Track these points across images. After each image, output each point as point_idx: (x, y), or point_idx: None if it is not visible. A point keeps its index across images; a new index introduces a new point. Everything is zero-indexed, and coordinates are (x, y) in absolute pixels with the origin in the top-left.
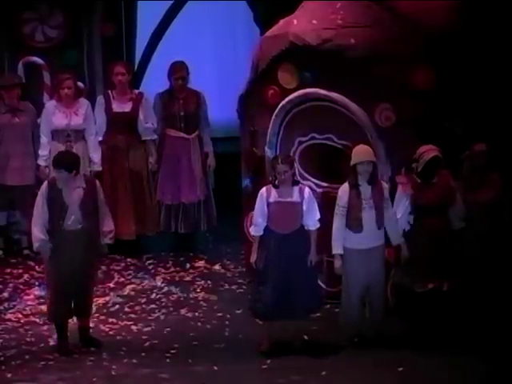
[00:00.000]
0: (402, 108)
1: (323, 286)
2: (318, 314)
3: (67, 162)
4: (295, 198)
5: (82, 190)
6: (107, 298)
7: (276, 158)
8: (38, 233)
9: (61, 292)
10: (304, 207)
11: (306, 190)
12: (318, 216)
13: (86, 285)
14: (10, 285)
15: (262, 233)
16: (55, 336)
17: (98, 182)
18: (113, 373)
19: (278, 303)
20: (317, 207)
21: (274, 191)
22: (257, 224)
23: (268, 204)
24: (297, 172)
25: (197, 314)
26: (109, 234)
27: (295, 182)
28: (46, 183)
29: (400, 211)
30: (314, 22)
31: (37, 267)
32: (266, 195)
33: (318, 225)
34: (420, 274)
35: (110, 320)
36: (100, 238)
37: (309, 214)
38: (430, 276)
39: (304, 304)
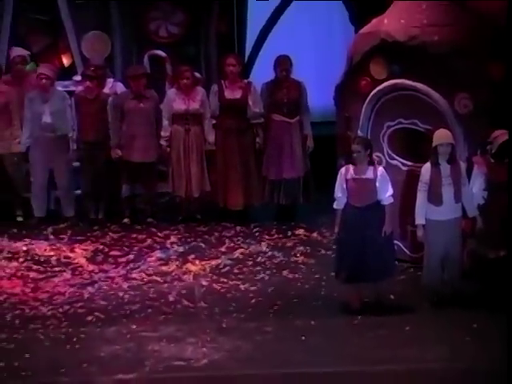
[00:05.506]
0: (479, 97)
1: (407, 252)
2: (403, 277)
3: None
4: (369, 175)
5: None
6: (219, 261)
7: (354, 138)
8: None
9: None
10: (377, 184)
11: (380, 168)
12: (390, 192)
13: None
14: (135, 248)
15: (342, 206)
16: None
17: None
18: (223, 325)
19: (356, 268)
20: (389, 184)
21: (351, 169)
22: (337, 198)
23: (346, 180)
24: (385, 152)
25: (297, 275)
26: None
27: (370, 163)
28: None
29: (475, 187)
30: (402, 21)
31: (159, 233)
32: (344, 172)
33: (391, 200)
34: (493, 243)
35: (222, 280)
36: None
37: (382, 190)
38: (502, 244)
39: (379, 268)
